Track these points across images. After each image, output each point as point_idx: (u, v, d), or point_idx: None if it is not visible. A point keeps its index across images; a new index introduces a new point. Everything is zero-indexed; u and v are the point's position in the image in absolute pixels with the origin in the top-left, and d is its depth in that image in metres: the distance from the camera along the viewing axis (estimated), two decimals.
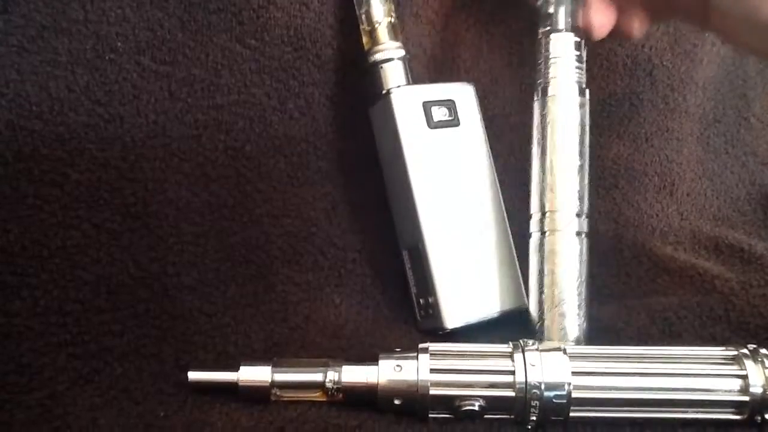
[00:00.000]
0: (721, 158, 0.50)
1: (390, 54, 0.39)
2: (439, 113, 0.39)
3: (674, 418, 0.29)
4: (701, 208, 0.49)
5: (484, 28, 0.43)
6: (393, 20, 0.39)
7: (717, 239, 0.46)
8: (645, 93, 0.47)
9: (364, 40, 0.40)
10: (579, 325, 0.36)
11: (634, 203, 0.47)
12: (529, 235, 0.38)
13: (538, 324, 0.36)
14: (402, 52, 0.39)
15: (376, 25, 0.39)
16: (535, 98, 0.38)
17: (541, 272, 0.37)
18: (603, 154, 0.47)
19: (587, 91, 0.38)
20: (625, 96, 0.46)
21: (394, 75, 0.39)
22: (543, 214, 0.37)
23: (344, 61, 0.41)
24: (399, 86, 0.39)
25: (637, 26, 0.39)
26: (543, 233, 0.37)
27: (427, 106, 0.39)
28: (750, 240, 0.46)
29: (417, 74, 0.41)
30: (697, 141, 0.49)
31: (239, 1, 0.37)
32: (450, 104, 0.39)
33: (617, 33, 0.39)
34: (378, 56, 0.39)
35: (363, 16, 0.39)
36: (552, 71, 0.37)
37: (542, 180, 0.37)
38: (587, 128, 0.38)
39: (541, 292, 0.36)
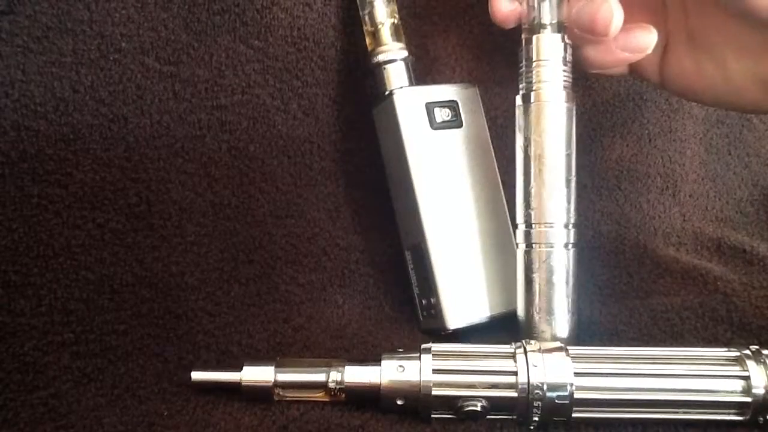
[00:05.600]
0: (724, 159, 0.50)
1: (393, 55, 0.39)
2: (442, 114, 0.39)
3: (676, 419, 0.29)
4: (704, 209, 0.49)
5: (488, 29, 0.43)
6: (396, 21, 0.40)
7: (719, 240, 0.46)
8: (648, 93, 0.47)
9: (368, 41, 0.40)
10: (568, 331, 0.35)
11: (636, 204, 0.47)
12: (516, 246, 0.36)
13: (526, 332, 0.36)
14: (405, 53, 0.40)
15: (380, 26, 0.39)
16: (518, 104, 0.36)
17: (529, 284, 0.35)
18: (606, 154, 0.47)
19: (574, 97, 0.35)
20: (629, 96, 0.46)
21: (397, 76, 0.39)
22: (529, 226, 0.35)
23: (347, 61, 0.41)
24: (402, 87, 0.39)
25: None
26: (530, 246, 0.35)
27: (429, 107, 0.39)
28: (752, 241, 0.46)
29: (420, 75, 0.41)
30: (700, 142, 0.49)
31: (243, 2, 0.37)
32: (453, 105, 0.39)
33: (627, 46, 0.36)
34: (381, 57, 0.39)
35: (366, 17, 0.39)
36: (538, 75, 0.35)
37: (527, 192, 0.35)
38: (574, 136, 0.35)
39: (529, 301, 0.35)
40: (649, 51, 0.36)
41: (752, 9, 0.32)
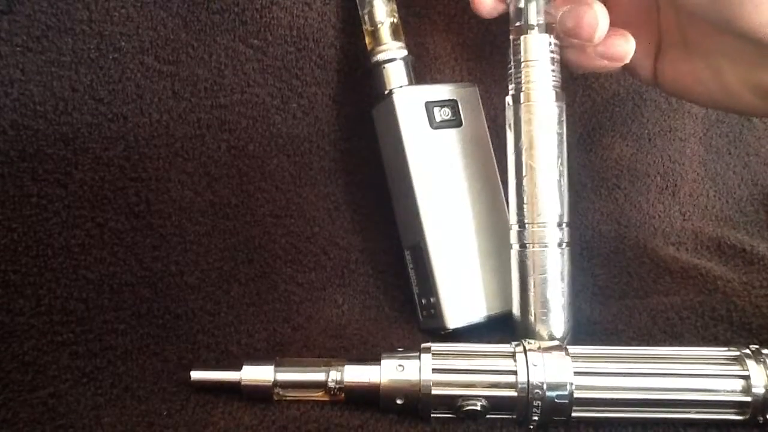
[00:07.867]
0: (724, 158, 0.50)
1: (392, 54, 0.39)
2: (442, 113, 0.39)
3: (676, 419, 0.30)
4: (703, 209, 0.49)
5: (487, 29, 0.43)
6: (395, 20, 0.40)
7: (719, 240, 0.46)
8: (648, 93, 0.47)
9: (367, 40, 0.40)
10: (564, 330, 0.35)
11: (636, 203, 0.47)
12: (510, 247, 0.36)
13: (522, 332, 0.36)
14: (404, 53, 0.40)
15: (379, 26, 0.39)
16: (508, 104, 0.36)
17: (524, 284, 0.35)
18: (606, 154, 0.47)
19: (564, 96, 0.35)
20: (629, 96, 0.47)
21: (396, 75, 0.39)
22: (522, 226, 0.35)
23: (347, 61, 0.41)
24: (401, 86, 0.39)
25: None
26: (524, 246, 0.35)
27: (429, 107, 0.39)
28: (752, 240, 0.46)
29: (419, 74, 0.41)
30: (700, 141, 0.49)
31: (242, 1, 0.37)
32: (452, 104, 0.39)
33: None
34: (380, 56, 0.39)
35: (366, 17, 0.39)
36: (527, 76, 0.35)
37: (520, 192, 0.35)
38: (564, 136, 0.35)
39: (524, 301, 0.35)
40: (628, 60, 0.36)
41: (744, 29, 0.31)
